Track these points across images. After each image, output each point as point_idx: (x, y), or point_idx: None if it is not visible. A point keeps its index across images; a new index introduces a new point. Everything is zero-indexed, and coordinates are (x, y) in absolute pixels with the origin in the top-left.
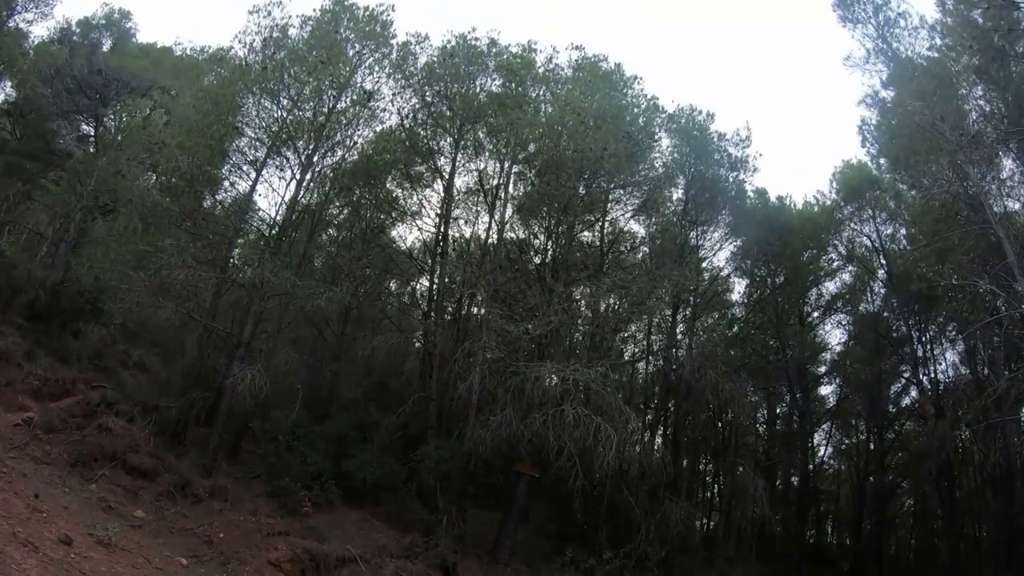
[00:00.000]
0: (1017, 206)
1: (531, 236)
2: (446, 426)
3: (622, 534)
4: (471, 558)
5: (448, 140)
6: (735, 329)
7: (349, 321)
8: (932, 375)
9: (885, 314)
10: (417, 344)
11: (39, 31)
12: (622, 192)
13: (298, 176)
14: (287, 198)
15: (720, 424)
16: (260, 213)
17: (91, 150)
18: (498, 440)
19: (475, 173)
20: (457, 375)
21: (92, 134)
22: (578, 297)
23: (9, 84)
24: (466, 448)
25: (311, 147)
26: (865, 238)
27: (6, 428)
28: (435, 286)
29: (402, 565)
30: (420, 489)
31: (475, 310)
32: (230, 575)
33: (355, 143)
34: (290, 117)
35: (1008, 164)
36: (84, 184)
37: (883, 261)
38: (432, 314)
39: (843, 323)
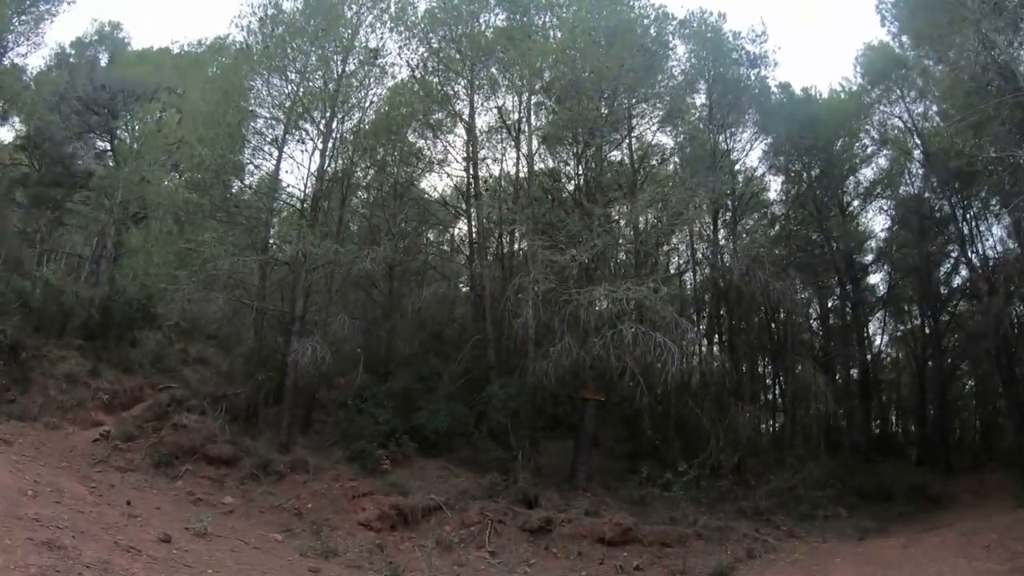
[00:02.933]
0: None
1: (561, 164)
2: (507, 364)
3: (693, 445)
4: (550, 488)
5: (462, 83)
6: (777, 227)
7: (395, 278)
8: (980, 252)
9: (926, 195)
10: (465, 289)
11: (35, 61)
12: (645, 106)
13: (320, 146)
14: (313, 169)
15: (774, 325)
16: (289, 189)
17: (111, 164)
18: (560, 370)
19: (495, 111)
20: (510, 312)
21: (109, 148)
22: (617, 217)
23: (17, 119)
24: (530, 383)
25: (327, 115)
26: (897, 120)
27: (86, 445)
28: (474, 229)
29: (486, 505)
30: (491, 430)
31: (516, 246)
32: (323, 541)
33: (370, 103)
34: (301, 90)
35: None
36: (111, 198)
37: (918, 141)
38: (475, 257)
39: (885, 208)
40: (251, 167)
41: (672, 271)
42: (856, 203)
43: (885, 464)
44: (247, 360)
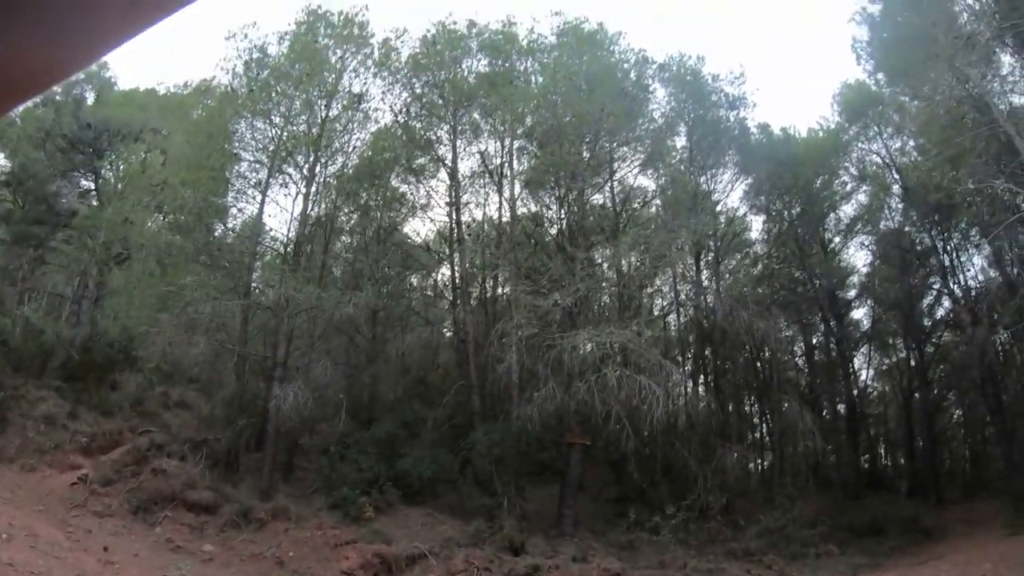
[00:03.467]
0: (1023, 101)
1: (543, 208)
2: (491, 410)
3: (680, 487)
4: (537, 535)
5: (445, 128)
6: (759, 267)
7: (378, 323)
8: (963, 283)
9: (906, 228)
10: (448, 334)
11: None
12: (626, 149)
13: (303, 190)
14: (296, 213)
15: (759, 364)
16: (272, 233)
17: (95, 203)
18: (545, 415)
19: (477, 156)
20: (494, 358)
21: (93, 188)
22: (600, 260)
23: (2, 155)
24: (514, 428)
25: (311, 159)
26: (875, 156)
27: (63, 489)
28: (457, 274)
29: (471, 553)
30: (476, 476)
31: (500, 291)
32: None
33: (354, 147)
34: (285, 134)
35: (1007, 60)
36: (94, 238)
37: (896, 176)
38: (458, 302)
39: (866, 244)
40: (234, 210)
41: (656, 313)
42: (837, 239)
43: (875, 498)
44: (228, 405)
